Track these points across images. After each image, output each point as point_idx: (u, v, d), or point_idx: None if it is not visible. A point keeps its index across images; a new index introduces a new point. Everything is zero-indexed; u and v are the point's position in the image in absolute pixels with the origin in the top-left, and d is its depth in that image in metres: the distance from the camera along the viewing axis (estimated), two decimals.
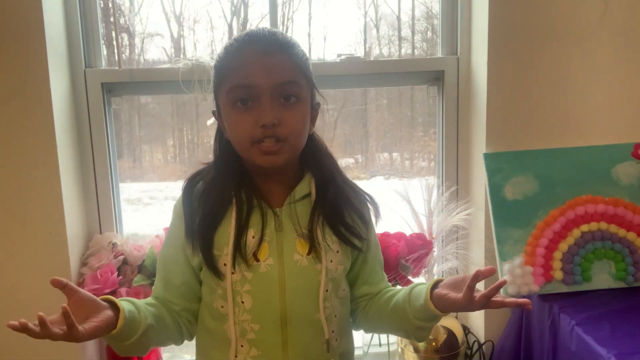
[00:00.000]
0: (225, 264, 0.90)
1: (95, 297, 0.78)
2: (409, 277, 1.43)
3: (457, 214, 1.41)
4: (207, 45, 1.68)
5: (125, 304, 0.83)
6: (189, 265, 0.94)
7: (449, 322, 1.48)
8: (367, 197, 1.00)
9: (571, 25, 1.40)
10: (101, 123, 1.50)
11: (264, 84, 0.85)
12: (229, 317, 0.90)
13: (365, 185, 1.07)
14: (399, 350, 1.50)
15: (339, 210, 0.94)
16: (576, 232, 1.31)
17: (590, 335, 1.09)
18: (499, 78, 1.41)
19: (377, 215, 1.01)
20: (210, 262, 0.90)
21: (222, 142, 0.96)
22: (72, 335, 0.70)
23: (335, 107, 1.85)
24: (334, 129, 1.88)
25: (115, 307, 0.80)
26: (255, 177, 0.94)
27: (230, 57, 0.89)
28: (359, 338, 1.58)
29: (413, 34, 1.79)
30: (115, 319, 0.79)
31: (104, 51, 1.52)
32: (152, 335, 0.87)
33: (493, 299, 0.78)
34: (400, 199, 1.43)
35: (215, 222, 0.91)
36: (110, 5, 1.54)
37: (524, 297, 1.33)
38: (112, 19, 1.54)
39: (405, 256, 1.40)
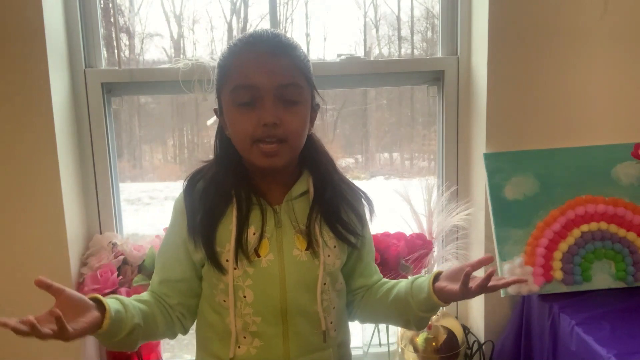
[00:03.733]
0: (227, 260, 0.92)
1: (82, 295, 0.79)
2: (409, 277, 1.43)
3: (457, 214, 1.41)
4: (206, 45, 1.68)
5: (112, 302, 0.83)
6: (189, 261, 0.96)
7: (449, 322, 1.48)
8: (362, 194, 1.02)
9: (571, 25, 1.40)
10: (101, 123, 1.50)
11: (266, 85, 0.87)
12: (230, 311, 0.92)
13: (365, 185, 1.08)
14: (399, 350, 1.50)
15: (335, 208, 0.97)
16: (576, 232, 1.31)
17: (590, 335, 1.09)
18: (499, 78, 1.41)
19: (372, 212, 1.03)
20: (214, 258, 0.92)
21: (223, 140, 0.97)
22: (62, 335, 0.71)
23: (335, 107, 1.85)
24: (334, 129, 1.88)
25: (102, 306, 0.81)
26: (255, 175, 0.96)
27: (235, 57, 0.91)
28: (359, 338, 1.58)
29: (413, 33, 1.78)
30: (102, 318, 0.79)
31: (104, 51, 1.52)
32: (139, 333, 0.89)
33: (489, 284, 0.83)
34: (400, 199, 1.43)
35: (217, 219, 0.93)
36: (110, 5, 1.54)
37: (524, 297, 1.34)
38: (112, 19, 1.54)
39: (405, 256, 1.40)
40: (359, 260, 1.04)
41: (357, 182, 1.04)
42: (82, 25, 1.48)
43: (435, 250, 1.45)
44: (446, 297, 0.89)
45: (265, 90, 0.87)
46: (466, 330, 1.53)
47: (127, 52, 1.69)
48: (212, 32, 1.67)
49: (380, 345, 1.53)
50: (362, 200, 1.03)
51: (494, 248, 1.35)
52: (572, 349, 1.13)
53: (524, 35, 1.39)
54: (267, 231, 0.93)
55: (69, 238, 1.38)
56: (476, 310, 1.55)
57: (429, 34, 1.78)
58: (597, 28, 1.40)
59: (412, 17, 1.76)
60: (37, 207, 1.36)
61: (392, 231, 1.48)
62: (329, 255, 0.95)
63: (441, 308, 1.06)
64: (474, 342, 1.52)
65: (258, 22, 1.66)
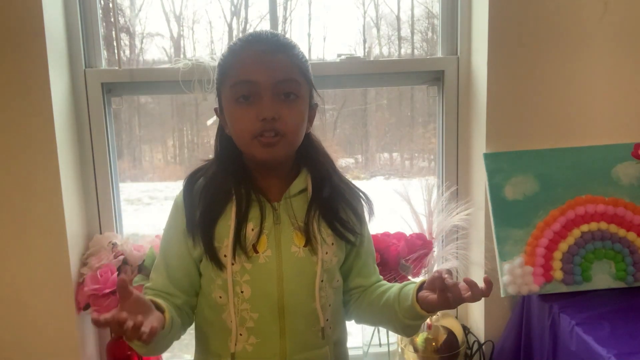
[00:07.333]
0: (225, 256, 0.93)
1: (144, 297, 0.82)
2: (409, 277, 1.43)
3: (457, 214, 1.41)
4: (206, 45, 1.68)
5: (161, 301, 0.89)
6: (190, 258, 0.97)
7: (449, 322, 1.48)
8: (361, 194, 1.04)
9: (571, 25, 1.40)
10: (101, 123, 1.50)
11: (265, 80, 0.90)
12: (229, 307, 0.94)
13: (365, 185, 1.08)
14: (399, 350, 1.50)
15: (334, 206, 0.99)
16: (576, 232, 1.31)
17: (590, 335, 1.09)
18: (499, 78, 1.41)
19: (371, 212, 1.05)
20: (212, 253, 0.93)
21: (223, 138, 1.00)
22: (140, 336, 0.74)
23: (335, 107, 1.85)
24: (334, 129, 1.88)
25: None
26: (254, 172, 0.99)
27: (234, 55, 0.94)
28: (359, 338, 1.58)
29: (413, 33, 1.78)
30: (163, 317, 0.85)
31: (104, 51, 1.52)
32: (176, 330, 0.93)
33: (464, 295, 0.83)
34: (400, 199, 1.43)
35: (216, 215, 0.95)
36: (110, 5, 1.54)
37: (524, 297, 1.34)
38: (112, 19, 1.54)
39: (405, 256, 1.40)
40: (357, 258, 1.05)
41: (357, 182, 1.05)
42: (82, 25, 1.48)
43: (435, 250, 1.45)
44: (428, 307, 0.90)
45: (263, 86, 0.90)
46: (466, 330, 1.53)
47: (127, 52, 1.69)
48: (211, 32, 1.67)
49: (380, 345, 1.53)
50: (362, 200, 1.04)
51: (493, 248, 1.35)
52: (572, 349, 1.13)
53: (524, 35, 1.39)
54: (265, 227, 0.95)
55: (69, 238, 1.38)
56: (476, 310, 1.55)
57: (429, 34, 1.78)
58: (597, 28, 1.40)
59: (412, 17, 1.76)
60: (37, 207, 1.36)
61: (392, 231, 1.48)
62: (326, 252, 0.97)
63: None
64: (474, 342, 1.52)
65: (258, 22, 1.66)
